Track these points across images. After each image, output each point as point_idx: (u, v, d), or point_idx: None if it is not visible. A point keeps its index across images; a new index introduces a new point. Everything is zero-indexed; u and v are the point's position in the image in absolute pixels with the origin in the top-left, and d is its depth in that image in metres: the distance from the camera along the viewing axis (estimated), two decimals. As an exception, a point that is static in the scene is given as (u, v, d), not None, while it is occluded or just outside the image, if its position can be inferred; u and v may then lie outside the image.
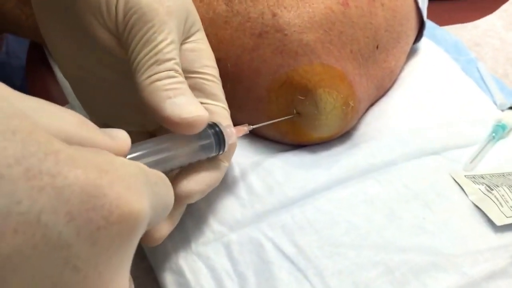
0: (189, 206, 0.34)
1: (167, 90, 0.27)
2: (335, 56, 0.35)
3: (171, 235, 0.33)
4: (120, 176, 0.18)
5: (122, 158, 0.20)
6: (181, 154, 0.28)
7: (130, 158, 0.25)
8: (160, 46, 0.28)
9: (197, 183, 0.29)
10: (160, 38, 0.28)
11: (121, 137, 0.22)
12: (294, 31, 0.35)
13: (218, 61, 0.35)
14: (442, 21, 0.58)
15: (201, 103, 0.31)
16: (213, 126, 0.30)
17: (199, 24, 0.32)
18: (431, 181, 0.36)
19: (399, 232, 0.33)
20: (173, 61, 0.28)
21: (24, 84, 0.79)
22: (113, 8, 0.28)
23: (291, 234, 0.32)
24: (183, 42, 0.30)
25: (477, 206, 0.35)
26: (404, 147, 0.37)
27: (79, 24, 0.29)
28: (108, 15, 0.28)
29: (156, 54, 0.28)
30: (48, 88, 0.51)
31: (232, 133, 0.31)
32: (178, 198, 0.29)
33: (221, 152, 0.30)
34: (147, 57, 0.28)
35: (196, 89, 0.31)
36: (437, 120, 0.40)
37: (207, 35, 0.35)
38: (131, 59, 0.28)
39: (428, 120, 0.40)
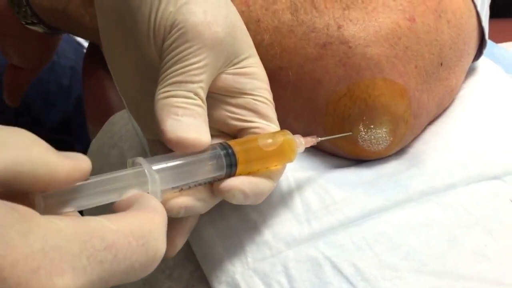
0: (243, 218, 0.34)
1: (177, 107, 0.28)
2: (399, 71, 0.35)
3: (227, 247, 0.33)
4: (30, 253, 0.16)
5: (51, 222, 0.18)
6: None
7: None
8: (189, 68, 0.28)
9: (240, 182, 0.29)
10: (193, 60, 0.28)
11: (79, 157, 0.21)
12: (359, 44, 0.34)
13: (281, 69, 0.35)
14: (498, 39, 0.57)
15: (253, 122, 0.31)
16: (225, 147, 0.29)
17: (251, 51, 0.32)
18: (492, 207, 0.35)
19: (460, 259, 0.32)
20: (197, 84, 0.28)
21: (71, 83, 0.80)
22: (162, 26, 0.29)
23: (350, 254, 0.32)
24: (230, 68, 0.31)
25: (539, 235, 0.34)
26: (464, 171, 0.36)
27: (136, 45, 0.30)
28: (158, 33, 0.29)
29: (182, 73, 0.28)
30: (104, 91, 0.52)
31: (301, 143, 0.31)
32: (218, 192, 0.29)
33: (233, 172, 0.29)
34: (173, 74, 0.28)
35: (248, 109, 0.31)
36: (497, 143, 0.39)
37: (271, 43, 0.35)
38: (159, 72, 0.29)
39: (488, 142, 0.39)
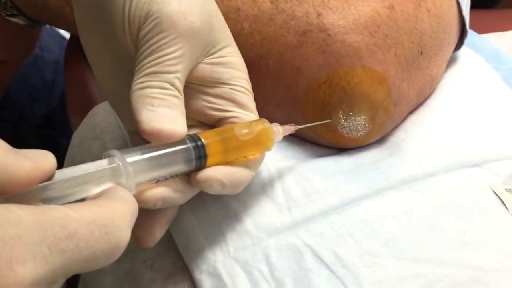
0: (224, 206, 0.34)
1: (153, 98, 0.28)
2: (378, 58, 0.35)
3: (208, 236, 0.33)
4: None
5: (10, 211, 0.18)
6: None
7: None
8: (164, 58, 0.28)
9: (217, 172, 0.29)
10: (168, 50, 0.28)
11: (40, 156, 0.21)
12: (338, 31, 0.34)
13: (261, 58, 0.35)
14: (481, 30, 0.57)
15: (231, 111, 0.31)
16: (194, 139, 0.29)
17: (228, 40, 0.32)
18: (472, 194, 0.35)
19: (440, 245, 0.32)
20: (173, 75, 0.28)
21: (55, 78, 0.80)
22: (137, 17, 0.28)
23: (330, 242, 0.32)
24: (207, 58, 0.31)
25: (518, 221, 0.34)
26: (444, 159, 0.37)
27: (112, 37, 0.30)
28: (133, 24, 0.29)
29: (157, 64, 0.28)
30: (86, 83, 0.52)
31: (279, 131, 0.31)
32: (196, 182, 0.29)
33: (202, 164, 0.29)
34: (148, 64, 0.28)
35: (226, 98, 0.31)
36: (477, 131, 0.40)
37: (251, 32, 0.35)
38: (135, 63, 0.29)
39: (468, 130, 0.40)
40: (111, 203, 0.22)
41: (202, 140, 0.29)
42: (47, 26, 0.76)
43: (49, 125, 0.78)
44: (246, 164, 0.31)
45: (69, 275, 0.19)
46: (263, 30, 0.36)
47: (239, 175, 0.30)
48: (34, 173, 0.20)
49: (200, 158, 0.28)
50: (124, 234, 0.21)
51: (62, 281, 0.20)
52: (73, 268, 0.19)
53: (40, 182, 0.22)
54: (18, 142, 0.77)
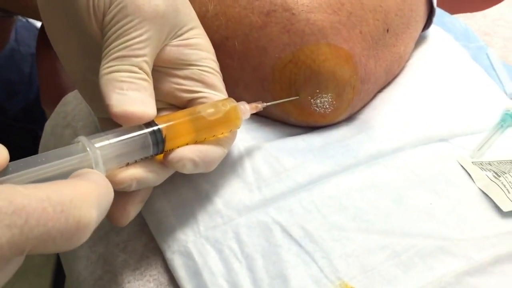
0: (195, 188, 0.34)
1: (122, 82, 0.28)
2: (343, 36, 0.35)
3: (179, 218, 0.33)
4: None
5: None
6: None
7: None
8: (131, 42, 0.28)
9: (188, 151, 0.29)
10: (134, 34, 0.29)
11: None
12: (302, 10, 0.35)
13: (227, 39, 0.35)
14: (450, 10, 0.58)
15: (200, 92, 0.32)
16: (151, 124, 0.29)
17: (194, 22, 0.32)
18: (439, 168, 0.36)
19: (406, 218, 0.33)
20: (140, 58, 0.29)
21: (32, 71, 0.79)
22: (102, 2, 0.29)
23: (299, 218, 0.32)
24: (174, 40, 0.31)
25: (484, 193, 0.35)
26: (411, 134, 0.37)
27: (78, 23, 0.30)
28: (98, 9, 0.29)
29: (124, 48, 0.28)
30: (57, 72, 0.52)
31: (246, 109, 0.32)
32: (169, 162, 0.29)
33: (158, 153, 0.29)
34: (115, 49, 0.28)
35: (195, 79, 0.32)
36: (445, 107, 0.40)
37: (216, 14, 0.35)
38: (102, 48, 0.29)
39: (436, 107, 0.40)
40: (74, 183, 0.21)
41: (169, 123, 0.29)
42: (23, 19, 0.76)
43: (27, 118, 0.78)
44: (218, 142, 0.31)
45: (22, 254, 0.19)
46: (227, 11, 0.36)
47: (211, 153, 0.31)
48: None
49: (157, 143, 0.29)
50: (84, 214, 0.20)
51: (18, 262, 0.19)
52: (26, 246, 0.18)
53: None
54: (-4, 136, 0.77)
